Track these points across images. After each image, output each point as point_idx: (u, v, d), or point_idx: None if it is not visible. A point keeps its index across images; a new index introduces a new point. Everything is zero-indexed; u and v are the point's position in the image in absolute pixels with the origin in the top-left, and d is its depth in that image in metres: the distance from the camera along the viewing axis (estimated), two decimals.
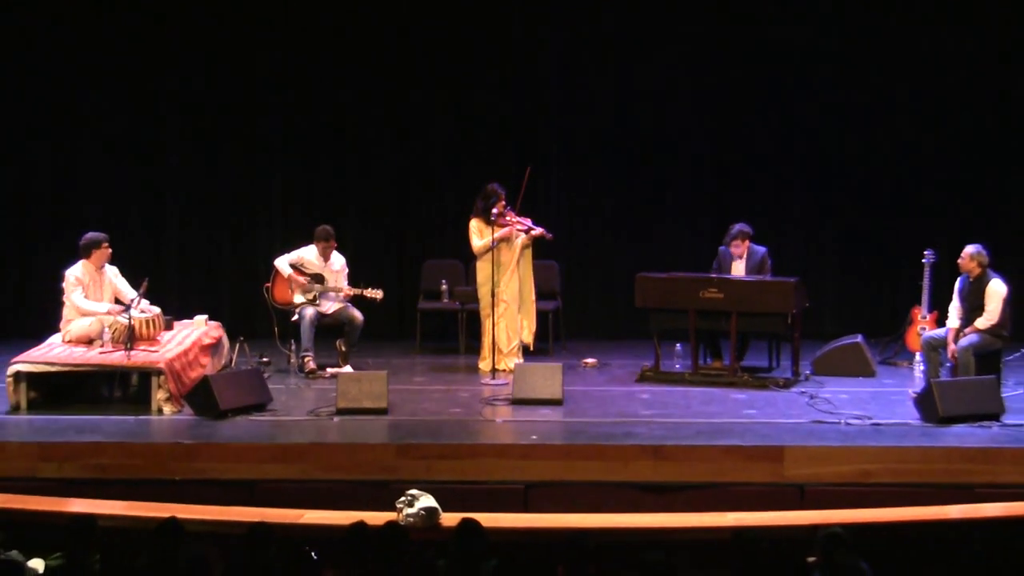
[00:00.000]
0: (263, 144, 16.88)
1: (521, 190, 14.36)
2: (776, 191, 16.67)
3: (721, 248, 14.48)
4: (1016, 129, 16.40)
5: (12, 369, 12.84)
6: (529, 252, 14.54)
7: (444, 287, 15.72)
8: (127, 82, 16.70)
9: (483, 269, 14.41)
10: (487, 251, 14.31)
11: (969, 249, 13.14)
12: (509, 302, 14.39)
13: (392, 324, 16.30)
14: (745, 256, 14.33)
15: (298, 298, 14.41)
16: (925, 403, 12.41)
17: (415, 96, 16.79)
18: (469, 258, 14.87)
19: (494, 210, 14.23)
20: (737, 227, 14.36)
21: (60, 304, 13.50)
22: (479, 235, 14.38)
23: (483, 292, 14.44)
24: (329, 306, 14.44)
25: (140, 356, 12.93)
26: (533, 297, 14.66)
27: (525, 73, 16.80)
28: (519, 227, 14.37)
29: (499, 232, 14.28)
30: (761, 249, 14.41)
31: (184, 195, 16.92)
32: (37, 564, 8.12)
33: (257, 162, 16.90)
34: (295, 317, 14.40)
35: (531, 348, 14.70)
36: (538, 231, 14.40)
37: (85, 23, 16.66)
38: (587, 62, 16.75)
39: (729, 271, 14.36)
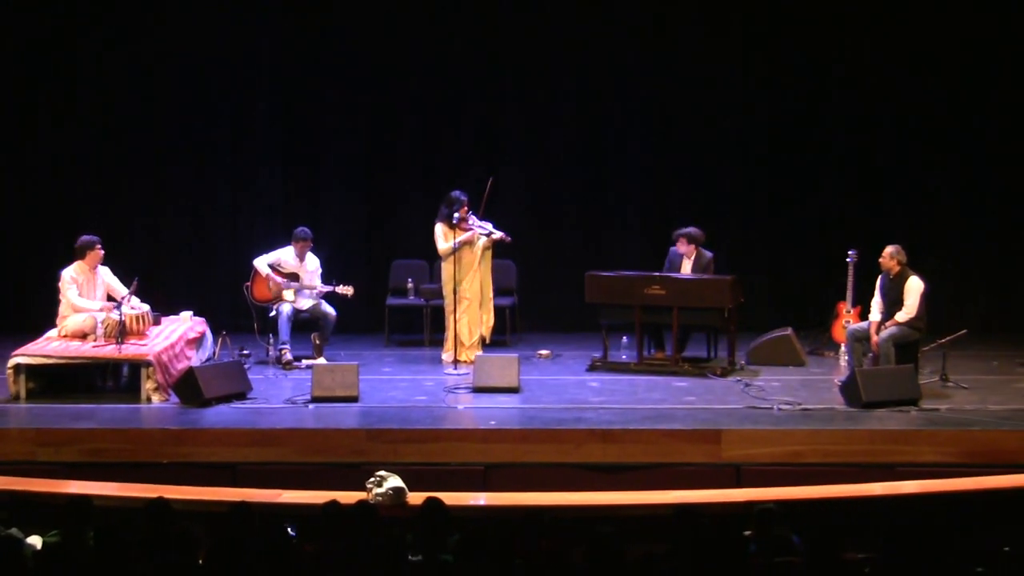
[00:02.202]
0: (246, 154, 16.79)
1: (484, 197, 14.33)
2: (714, 194, 16.66)
3: (671, 248, 14.51)
4: (931, 139, 16.45)
5: (12, 361, 12.81)
6: (489, 254, 14.53)
7: (411, 285, 15.68)
8: (122, 87, 16.58)
9: (447, 269, 14.41)
10: (451, 253, 14.30)
11: (889, 248, 13.18)
12: (471, 299, 14.39)
13: (363, 319, 16.22)
14: (693, 258, 14.36)
15: (288, 295, 14.36)
16: (850, 389, 12.46)
17: (384, 107, 16.73)
18: (434, 258, 14.84)
19: (456, 215, 14.21)
20: (685, 228, 14.40)
21: (57, 302, 13.46)
22: (444, 238, 14.36)
23: (447, 290, 14.43)
24: (305, 302, 14.42)
25: (130, 349, 12.90)
26: (491, 295, 14.64)
27: (485, 79, 16.74)
28: (481, 231, 14.35)
29: (461, 236, 14.28)
30: (709, 253, 14.42)
31: (172, 200, 16.81)
32: (35, 540, 8.08)
33: (240, 171, 16.81)
34: (273, 313, 14.37)
35: (487, 341, 14.67)
36: (498, 235, 14.38)
37: (79, 25, 16.54)
38: (541, 65, 16.68)
39: (679, 270, 14.39)
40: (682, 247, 14.36)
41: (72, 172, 16.70)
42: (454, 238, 14.26)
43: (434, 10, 16.67)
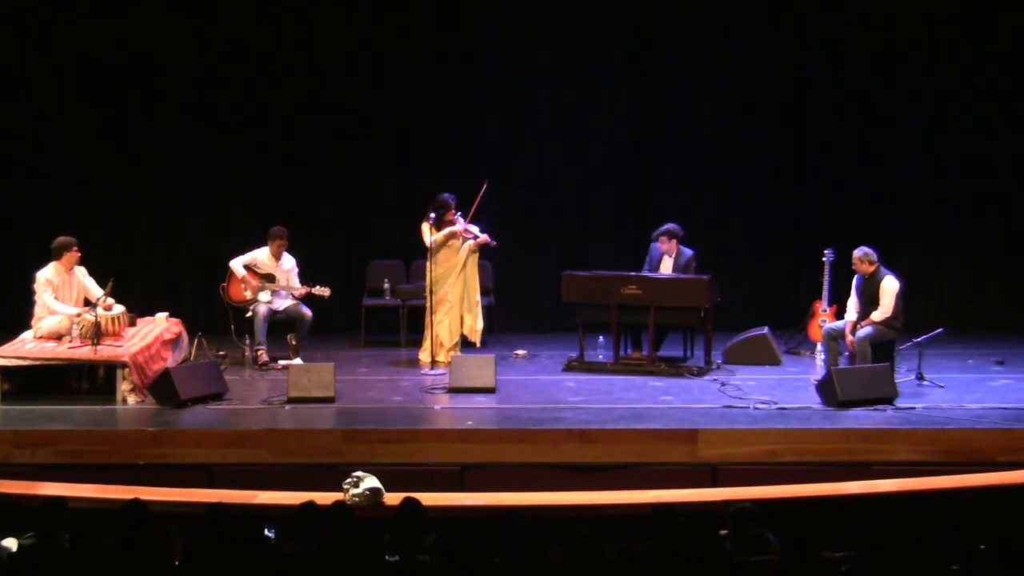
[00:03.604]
0: (221, 152, 16.72)
1: (476, 201, 14.31)
2: (692, 194, 16.69)
3: (653, 245, 14.53)
4: (907, 138, 16.51)
5: None
6: (475, 257, 14.47)
7: (387, 285, 15.68)
8: (98, 87, 16.51)
9: (431, 270, 14.34)
10: (440, 247, 14.22)
11: (857, 252, 13.22)
12: (453, 302, 14.30)
13: (339, 319, 16.22)
14: (674, 255, 14.38)
15: (264, 296, 14.33)
16: (826, 389, 12.49)
17: (361, 108, 16.71)
18: (411, 258, 14.81)
19: (446, 217, 14.19)
20: (665, 225, 14.43)
21: (32, 303, 13.42)
22: (429, 234, 14.30)
23: (434, 290, 14.37)
24: (281, 303, 14.40)
25: (106, 351, 12.87)
26: (478, 298, 14.53)
27: (462, 79, 16.71)
28: (467, 234, 14.29)
29: (448, 228, 14.19)
30: (689, 251, 14.46)
31: (148, 201, 16.75)
32: (10, 543, 8.05)
33: (216, 170, 16.74)
34: (249, 314, 14.34)
35: (477, 344, 14.59)
36: (483, 238, 14.33)
37: (58, 29, 16.47)
38: (518, 65, 16.67)
39: (659, 267, 14.41)
40: (663, 245, 14.39)
41: (47, 172, 16.62)
42: (439, 233, 14.21)
43: (412, 11, 16.63)
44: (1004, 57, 16.29)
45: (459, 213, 14.31)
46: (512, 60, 16.70)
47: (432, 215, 14.26)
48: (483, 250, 14.57)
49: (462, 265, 14.33)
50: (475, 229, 14.34)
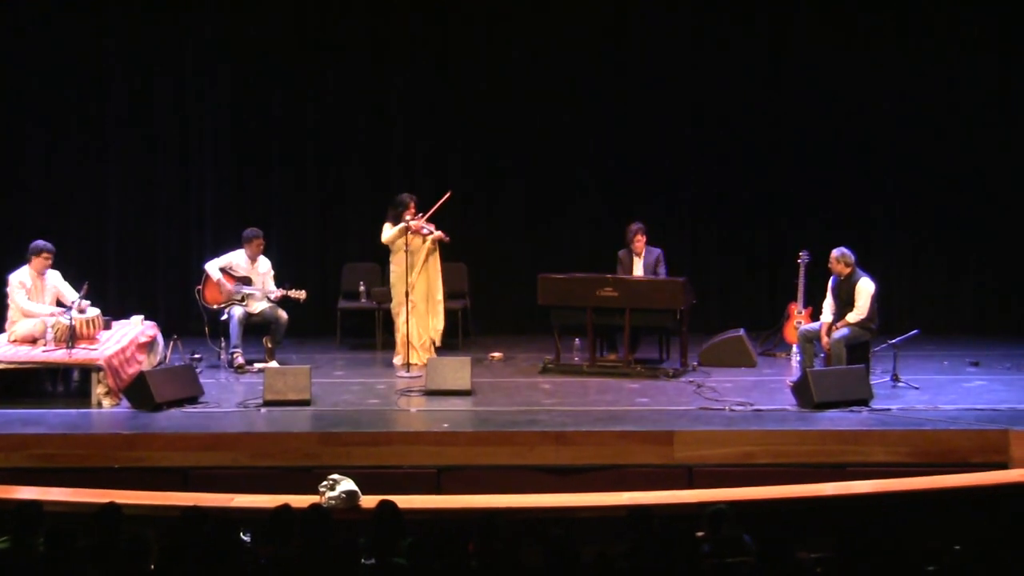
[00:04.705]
0: (196, 155, 16.72)
1: (436, 206, 14.31)
2: (667, 195, 16.74)
3: (621, 252, 14.54)
4: (883, 139, 16.56)
5: None
6: (436, 256, 14.48)
7: (362, 288, 15.68)
8: (73, 87, 16.48)
9: (395, 271, 14.36)
10: (396, 246, 14.25)
11: (834, 253, 13.28)
12: (417, 301, 14.27)
13: (315, 322, 16.20)
14: (643, 255, 14.42)
15: (257, 304, 14.30)
16: (801, 390, 12.52)
17: (334, 109, 16.69)
18: (385, 261, 14.80)
19: (404, 216, 14.20)
20: (635, 226, 14.47)
21: (5, 307, 13.37)
22: (386, 231, 14.32)
23: (395, 291, 14.39)
24: (256, 306, 14.38)
25: (81, 354, 12.82)
26: (440, 297, 14.59)
27: (434, 81, 16.71)
28: (421, 231, 14.26)
29: (404, 223, 14.18)
30: (656, 250, 14.50)
31: (122, 203, 16.72)
32: None
33: (191, 172, 16.75)
34: (225, 316, 14.31)
35: (437, 343, 14.62)
36: (438, 234, 14.32)
37: (22, 25, 16.46)
38: (491, 65, 16.70)
39: (631, 270, 14.43)
40: (638, 243, 14.41)
41: (20, 174, 16.57)
42: (396, 230, 14.23)
43: (384, 11, 16.63)
44: (984, 57, 16.40)
45: (420, 214, 14.29)
46: (486, 59, 16.71)
47: (391, 213, 14.30)
48: (455, 248, 14.53)
49: (422, 263, 14.31)
50: (429, 226, 14.30)
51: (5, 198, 16.55)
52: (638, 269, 14.49)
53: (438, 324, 14.52)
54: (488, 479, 11.10)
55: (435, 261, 14.47)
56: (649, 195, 16.65)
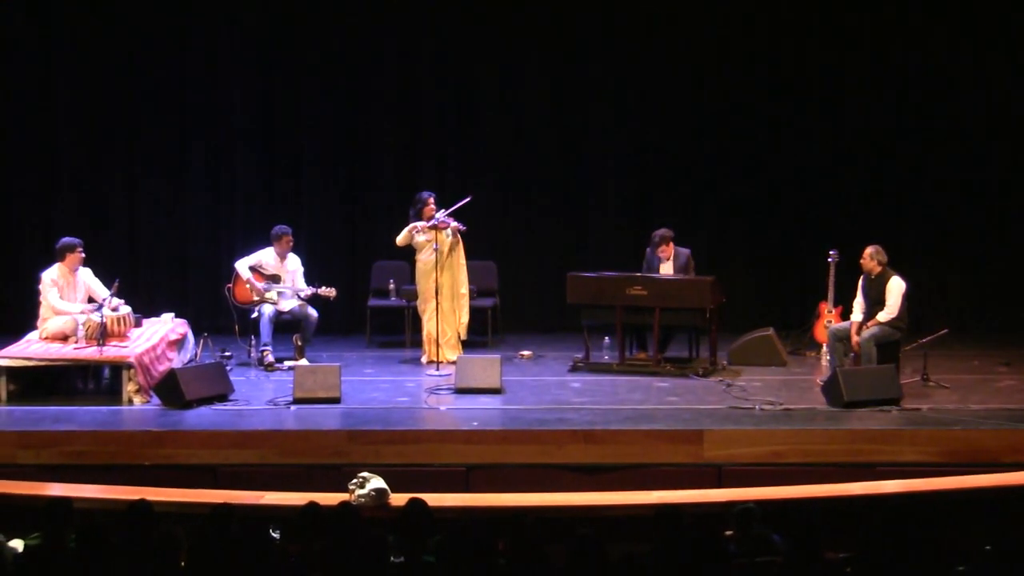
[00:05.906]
0: (227, 153, 16.77)
1: (455, 206, 14.32)
2: (696, 194, 16.72)
3: (648, 250, 14.52)
4: (912, 138, 16.52)
5: None
6: (460, 248, 14.51)
7: (392, 286, 15.67)
8: (106, 89, 16.56)
9: (420, 268, 14.42)
10: (405, 243, 14.41)
11: (868, 249, 13.23)
12: (443, 299, 14.27)
13: (344, 320, 16.25)
14: (672, 258, 14.37)
15: (270, 296, 14.32)
16: (831, 389, 12.49)
17: (364, 109, 16.73)
18: (415, 259, 14.82)
19: (424, 212, 14.25)
20: (659, 233, 14.38)
21: (37, 304, 13.42)
22: (402, 234, 14.41)
23: (420, 288, 14.42)
24: (286, 304, 14.40)
25: (111, 351, 12.88)
26: (464, 290, 14.60)
27: (463, 81, 16.78)
28: (441, 225, 14.26)
29: (420, 224, 14.25)
30: (685, 251, 14.44)
31: (154, 202, 16.79)
32: (16, 544, 8.06)
33: (221, 170, 16.81)
34: (255, 314, 14.35)
35: (463, 337, 14.63)
36: (454, 225, 14.34)
37: (67, 27, 16.53)
38: (519, 66, 16.73)
39: (658, 271, 14.40)
40: (663, 253, 14.34)
41: (51, 173, 16.66)
42: (412, 232, 14.32)
43: (412, 13, 16.66)
44: (1005, 56, 16.34)
45: (441, 209, 14.31)
46: (513, 60, 16.73)
47: (411, 212, 14.41)
48: (485, 246, 14.56)
49: (446, 257, 14.32)
50: (449, 220, 14.29)
51: (34, 197, 16.62)
52: (667, 270, 14.42)
53: (463, 317, 14.56)
54: (517, 477, 11.11)
55: (458, 255, 14.49)
56: (678, 193, 16.66)
